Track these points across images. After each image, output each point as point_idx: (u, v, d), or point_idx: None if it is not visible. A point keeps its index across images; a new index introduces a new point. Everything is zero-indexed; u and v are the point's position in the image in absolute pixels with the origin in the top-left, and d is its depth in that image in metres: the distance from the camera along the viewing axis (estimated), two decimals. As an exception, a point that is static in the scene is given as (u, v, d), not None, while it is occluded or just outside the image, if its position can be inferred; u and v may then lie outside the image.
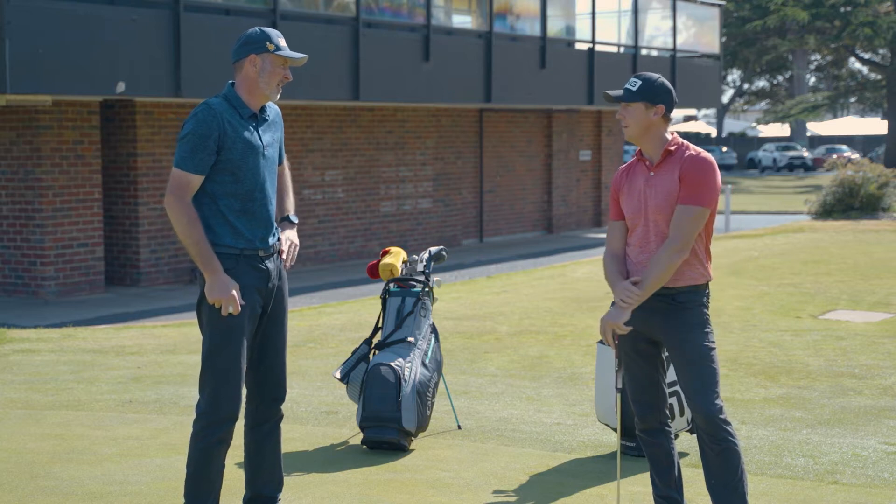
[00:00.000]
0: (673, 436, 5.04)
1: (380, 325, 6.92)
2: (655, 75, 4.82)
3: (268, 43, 4.78)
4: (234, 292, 4.67)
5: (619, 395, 5.01)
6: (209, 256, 4.68)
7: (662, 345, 4.89)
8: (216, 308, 4.71)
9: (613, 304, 4.85)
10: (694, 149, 4.80)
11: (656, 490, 5.03)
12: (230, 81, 4.88)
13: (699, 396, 4.74)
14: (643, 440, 5.01)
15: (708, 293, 4.87)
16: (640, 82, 4.78)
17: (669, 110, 4.80)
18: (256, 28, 4.86)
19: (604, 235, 23.62)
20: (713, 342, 4.82)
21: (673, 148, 4.78)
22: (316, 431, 7.00)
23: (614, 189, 4.94)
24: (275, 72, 4.80)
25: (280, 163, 5.08)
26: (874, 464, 6.25)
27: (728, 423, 4.77)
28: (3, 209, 14.53)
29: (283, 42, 4.84)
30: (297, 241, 5.03)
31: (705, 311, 4.83)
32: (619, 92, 4.81)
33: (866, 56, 51.42)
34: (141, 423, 7.22)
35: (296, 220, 5.08)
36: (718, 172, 4.77)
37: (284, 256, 4.94)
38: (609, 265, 4.91)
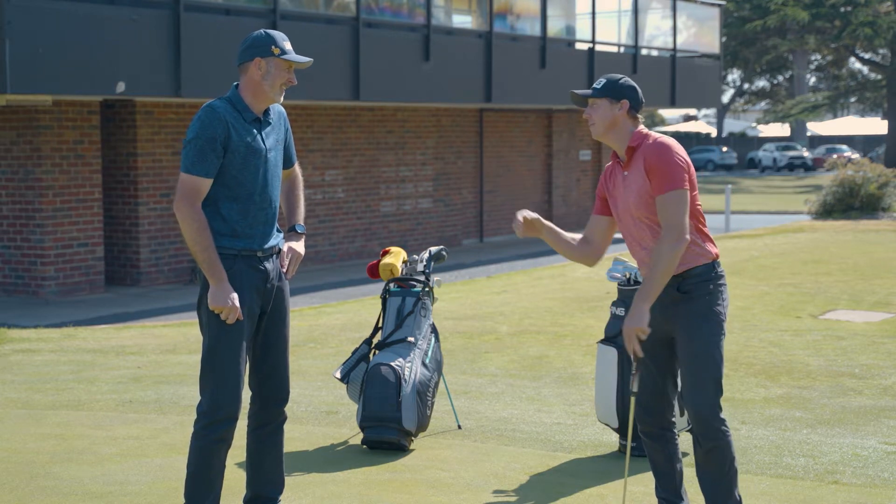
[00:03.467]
0: (676, 439, 5.03)
1: (380, 324, 6.92)
2: (619, 75, 4.90)
3: (273, 47, 4.76)
4: (236, 302, 4.67)
5: (632, 397, 4.96)
6: (215, 264, 4.67)
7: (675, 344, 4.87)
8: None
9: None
10: (652, 136, 4.80)
11: (657, 491, 5.05)
12: (235, 83, 4.87)
13: (692, 394, 4.76)
14: (644, 442, 5.02)
15: (716, 274, 4.80)
16: (604, 80, 4.86)
17: (635, 106, 4.83)
18: (262, 31, 4.84)
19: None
20: (718, 336, 4.76)
21: (635, 144, 4.81)
22: (316, 431, 7.00)
23: (599, 188, 5.01)
24: (279, 75, 4.78)
25: (290, 164, 5.05)
26: (874, 464, 6.25)
27: (720, 423, 4.75)
28: (3, 209, 14.53)
29: (288, 45, 4.81)
30: (301, 251, 4.99)
31: (715, 299, 4.76)
32: (588, 91, 4.87)
33: (866, 56, 51.40)
34: (141, 423, 7.22)
35: (303, 231, 5.06)
36: (681, 150, 4.75)
37: (284, 268, 4.92)
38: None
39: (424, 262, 7.11)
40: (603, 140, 4.87)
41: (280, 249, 4.94)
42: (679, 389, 6.19)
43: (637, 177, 4.76)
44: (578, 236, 5.04)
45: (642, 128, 4.85)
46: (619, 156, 4.88)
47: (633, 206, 4.78)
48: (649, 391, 4.91)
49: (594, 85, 4.88)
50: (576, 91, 4.91)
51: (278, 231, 4.94)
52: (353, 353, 6.86)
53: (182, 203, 4.68)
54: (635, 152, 4.80)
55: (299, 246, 5.00)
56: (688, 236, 4.65)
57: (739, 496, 4.85)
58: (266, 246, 4.83)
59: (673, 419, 4.98)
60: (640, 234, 4.82)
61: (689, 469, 6.09)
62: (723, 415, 4.78)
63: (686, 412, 6.27)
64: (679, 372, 4.89)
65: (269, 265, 4.85)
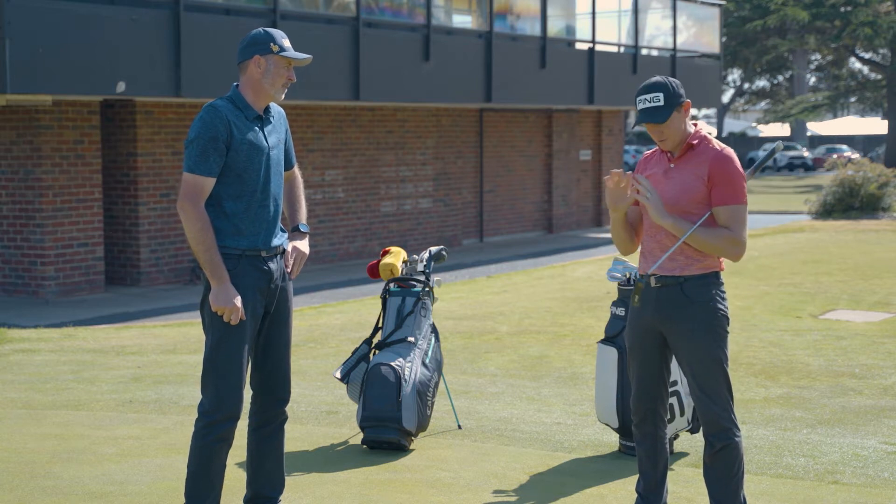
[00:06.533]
0: (667, 439, 5.03)
1: (380, 324, 6.92)
2: (661, 78, 4.78)
3: (272, 44, 4.78)
4: (238, 303, 4.68)
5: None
6: (218, 265, 4.68)
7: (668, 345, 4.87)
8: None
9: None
10: (716, 144, 4.78)
11: (636, 486, 5.07)
12: (235, 83, 4.89)
13: (703, 397, 4.77)
14: (634, 435, 5.04)
15: (719, 282, 4.80)
16: (661, 94, 4.70)
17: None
18: (261, 29, 4.86)
19: (604, 235, 23.69)
20: (723, 337, 4.77)
21: (695, 142, 4.77)
22: (316, 431, 7.00)
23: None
24: (279, 73, 4.80)
25: (290, 166, 5.06)
26: (874, 464, 6.25)
27: (732, 423, 4.76)
28: (3, 209, 14.53)
29: (287, 43, 4.83)
30: (306, 250, 5.01)
31: (716, 303, 4.76)
32: (658, 117, 4.69)
33: (866, 56, 51.40)
34: (141, 423, 7.22)
35: (306, 230, 5.06)
36: (738, 161, 4.79)
37: (289, 268, 4.93)
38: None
39: (424, 262, 7.11)
40: (671, 149, 4.80)
41: (284, 249, 4.95)
42: (676, 388, 6.23)
43: (687, 175, 4.73)
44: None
45: (700, 126, 4.81)
46: (669, 148, 4.81)
47: (668, 198, 4.74)
48: (645, 376, 4.92)
49: (650, 104, 4.67)
50: (648, 123, 4.68)
51: (282, 231, 4.95)
52: (353, 352, 6.86)
53: (185, 202, 4.68)
54: (691, 151, 4.76)
55: (303, 245, 5.01)
56: (743, 250, 4.70)
57: (745, 498, 4.84)
58: (270, 245, 4.84)
59: (665, 416, 4.98)
60: (658, 226, 4.78)
61: (689, 469, 6.10)
62: (734, 415, 4.79)
63: (691, 415, 6.30)
64: (683, 374, 4.89)
65: (273, 265, 4.85)
